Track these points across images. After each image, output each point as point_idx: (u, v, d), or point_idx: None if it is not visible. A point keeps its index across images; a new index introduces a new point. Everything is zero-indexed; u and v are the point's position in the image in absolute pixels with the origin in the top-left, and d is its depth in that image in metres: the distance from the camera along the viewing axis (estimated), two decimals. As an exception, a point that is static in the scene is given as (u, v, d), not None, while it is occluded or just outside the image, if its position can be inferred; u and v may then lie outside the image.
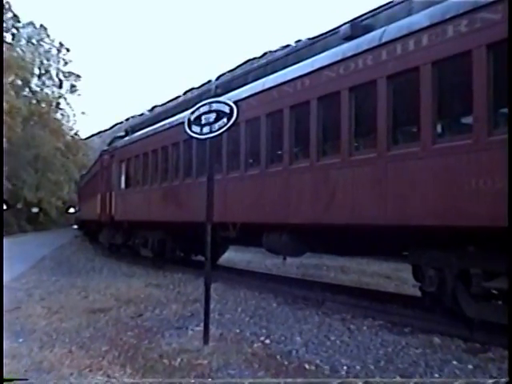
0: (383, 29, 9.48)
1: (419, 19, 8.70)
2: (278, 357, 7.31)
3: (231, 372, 6.61)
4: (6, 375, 6.39)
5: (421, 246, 9.07)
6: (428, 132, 8.32)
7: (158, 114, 23.94)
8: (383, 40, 9.21)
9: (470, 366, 6.88)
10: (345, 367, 6.86)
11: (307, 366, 6.90)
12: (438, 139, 8.26)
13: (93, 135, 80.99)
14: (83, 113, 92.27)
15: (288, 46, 16.33)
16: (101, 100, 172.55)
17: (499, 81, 7.28)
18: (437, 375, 6.60)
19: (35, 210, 65.38)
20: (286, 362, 7.07)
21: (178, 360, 7.10)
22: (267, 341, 8.22)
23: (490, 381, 6.28)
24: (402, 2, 9.98)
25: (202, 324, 8.24)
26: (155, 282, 15.04)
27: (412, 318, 9.43)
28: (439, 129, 8.54)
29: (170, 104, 26.35)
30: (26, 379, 6.33)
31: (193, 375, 6.48)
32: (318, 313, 10.35)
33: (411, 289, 12.22)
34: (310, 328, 9.08)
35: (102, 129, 77.58)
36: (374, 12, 10.66)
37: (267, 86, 12.43)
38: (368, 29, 10.15)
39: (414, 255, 9.34)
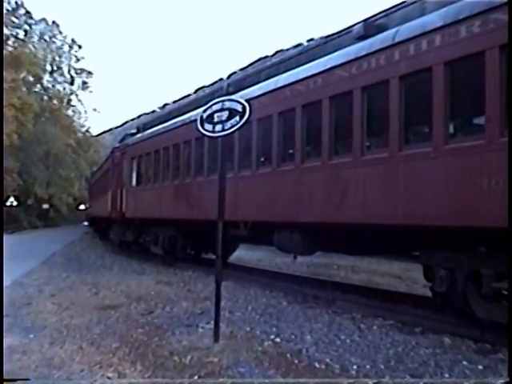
0: (396, 29, 9.47)
1: (432, 19, 8.69)
2: (288, 355, 7.33)
3: (241, 370, 6.62)
4: (16, 370, 6.47)
5: (432, 247, 9.06)
6: (440, 132, 8.31)
7: (169, 112, 23.98)
8: (396, 40, 9.20)
9: (480, 367, 6.89)
10: (355, 366, 6.87)
11: (317, 365, 6.91)
12: (450, 139, 8.26)
13: (104, 132, 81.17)
14: (95, 109, 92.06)
15: (300, 44, 16.33)
16: (112, 97, 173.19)
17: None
18: (447, 375, 6.60)
19: (46, 206, 65.68)
20: (296, 361, 7.08)
21: (189, 357, 7.12)
22: (277, 339, 8.23)
23: (501, 381, 6.28)
24: (415, 2, 9.98)
25: (212, 322, 8.26)
26: (166, 280, 15.09)
27: (422, 318, 9.42)
28: (451, 129, 8.53)
29: (182, 102, 26.38)
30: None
31: (203, 373, 6.50)
32: (328, 312, 10.36)
33: (422, 289, 12.21)
34: (320, 327, 9.09)
35: (114, 126, 77.72)
36: (388, 12, 10.66)
37: (279, 85, 12.43)
38: (381, 28, 10.14)
39: (425, 255, 9.33)
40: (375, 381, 6.32)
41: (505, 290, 8.00)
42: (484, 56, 7.62)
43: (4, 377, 5.89)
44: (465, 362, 7.07)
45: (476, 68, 7.85)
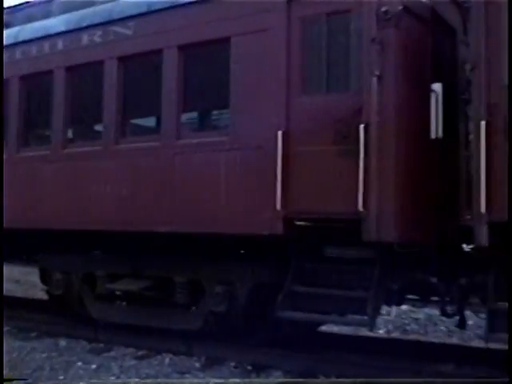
0: (21, 27, 9.25)
1: (57, 23, 8.68)
2: None
3: None
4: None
5: (48, 250, 9.03)
6: (59, 137, 8.35)
7: None
8: (19, 39, 8.97)
9: (94, 366, 7.08)
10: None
11: None
12: (68, 144, 8.37)
13: None
14: None
15: None
16: None
17: (128, 92, 7.71)
18: (62, 377, 6.65)
19: None
20: None
21: None
22: None
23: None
24: (42, 2, 9.83)
25: None
26: None
27: (38, 322, 9.36)
28: (71, 134, 8.64)
29: None
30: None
31: None
32: None
33: (40, 293, 12.06)
34: None
35: None
36: (12, 9, 10.27)
37: None
38: (6, 25, 9.74)
39: (43, 259, 9.28)
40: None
41: (118, 290, 8.34)
42: (103, 65, 7.88)
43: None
44: (79, 363, 7.21)
45: (96, 76, 8.06)
